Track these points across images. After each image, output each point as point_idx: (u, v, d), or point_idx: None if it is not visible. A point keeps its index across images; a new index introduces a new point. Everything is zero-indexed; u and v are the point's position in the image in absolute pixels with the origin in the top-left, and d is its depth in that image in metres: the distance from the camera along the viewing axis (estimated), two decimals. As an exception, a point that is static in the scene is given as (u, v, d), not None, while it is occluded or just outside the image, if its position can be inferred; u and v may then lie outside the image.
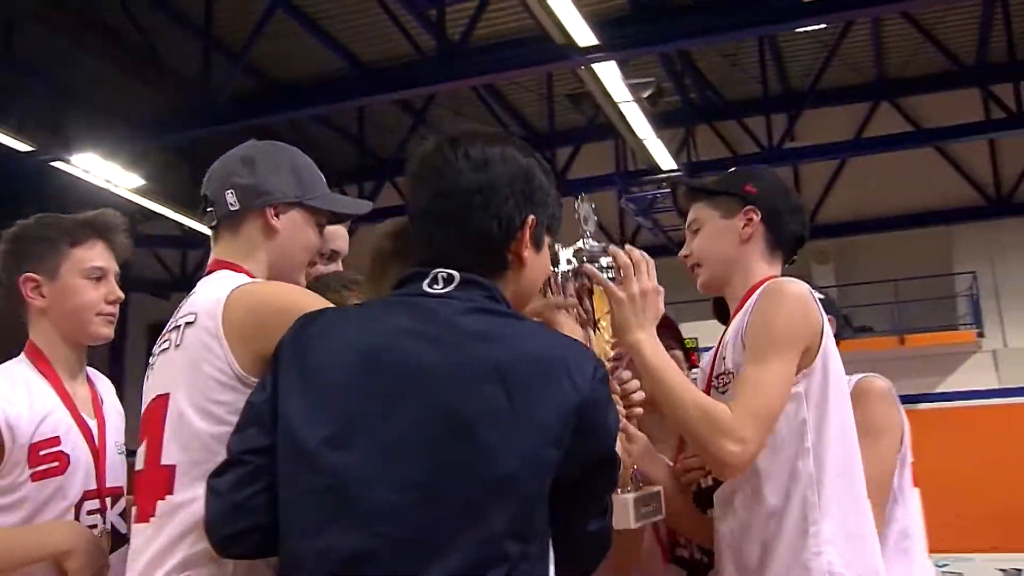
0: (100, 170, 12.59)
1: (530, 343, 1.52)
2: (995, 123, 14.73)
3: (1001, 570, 14.85)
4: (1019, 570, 14.78)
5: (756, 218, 2.21)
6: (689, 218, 2.32)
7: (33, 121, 12.48)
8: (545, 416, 1.44)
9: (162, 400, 1.69)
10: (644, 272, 1.98)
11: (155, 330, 2.10)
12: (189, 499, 1.60)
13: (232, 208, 1.85)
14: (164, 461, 1.64)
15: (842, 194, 17.58)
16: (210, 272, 1.87)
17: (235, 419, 1.59)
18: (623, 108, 10.96)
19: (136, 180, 13.34)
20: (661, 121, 12.52)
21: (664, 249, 17.25)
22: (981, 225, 17.02)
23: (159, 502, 1.62)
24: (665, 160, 13.12)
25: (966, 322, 16.95)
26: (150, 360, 1.81)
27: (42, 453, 2.02)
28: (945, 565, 14.15)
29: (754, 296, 2.13)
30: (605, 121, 13.60)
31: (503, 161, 1.60)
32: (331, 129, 16.48)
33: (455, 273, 1.57)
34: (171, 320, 1.82)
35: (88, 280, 2.19)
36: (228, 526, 1.51)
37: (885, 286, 16.47)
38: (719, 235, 2.23)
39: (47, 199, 14.77)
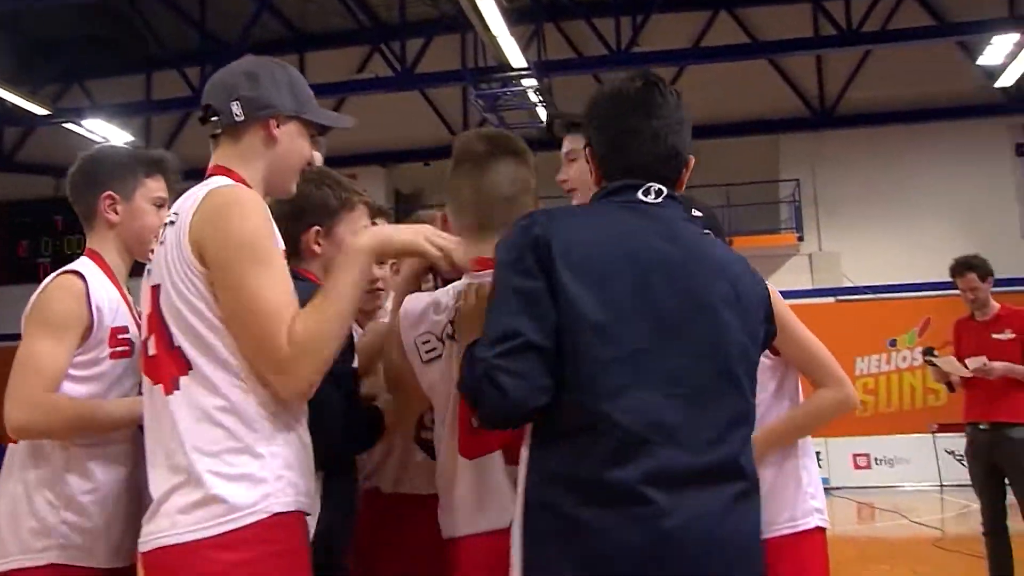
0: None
1: (725, 248, 1.99)
2: (822, 39, 15.53)
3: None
4: (818, 452, 16.25)
5: None
6: (565, 148, 2.61)
7: None
8: (755, 302, 1.90)
9: (155, 290, 1.94)
10: None
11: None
12: (205, 374, 1.87)
13: (237, 119, 2.02)
14: (175, 343, 1.89)
15: (679, 100, 18.15)
16: (208, 176, 2.03)
17: (201, 304, 1.86)
18: (479, 3, 10.96)
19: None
20: (513, 17, 12.58)
21: (509, 147, 17.48)
22: (805, 136, 18.03)
23: (182, 378, 1.87)
24: (516, 58, 13.23)
25: (788, 226, 18.06)
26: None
27: (119, 337, 2.40)
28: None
29: None
30: (454, 15, 13.55)
31: (683, 105, 2.01)
32: (173, 11, 15.74)
33: (663, 188, 1.91)
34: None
35: (153, 207, 2.57)
36: (530, 403, 1.72)
37: (717, 190, 17.31)
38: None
39: None
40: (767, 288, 1.96)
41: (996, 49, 14.18)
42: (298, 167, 2.13)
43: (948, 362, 6.01)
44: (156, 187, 2.58)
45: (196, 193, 1.95)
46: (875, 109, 17.62)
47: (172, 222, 1.95)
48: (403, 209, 14.05)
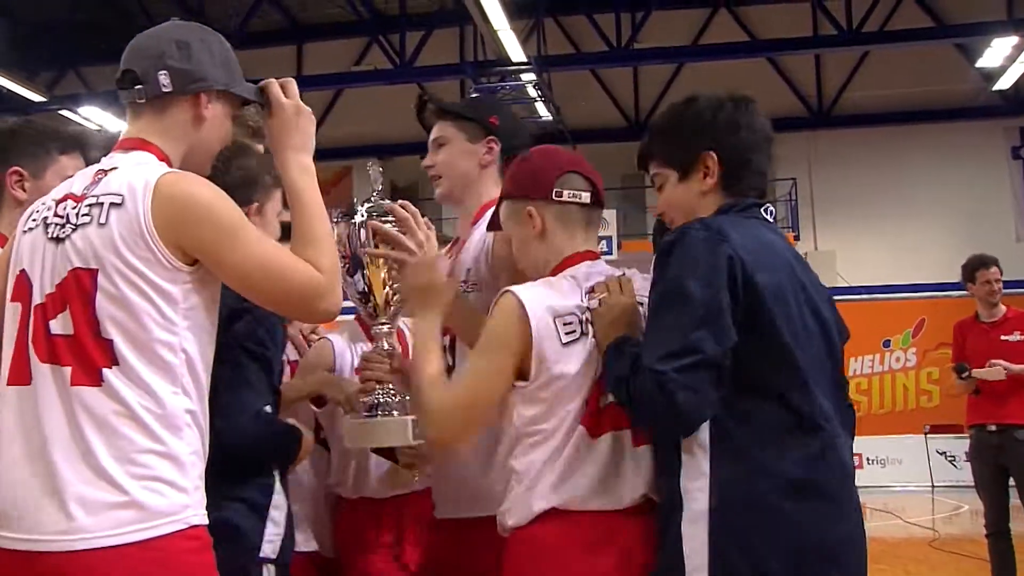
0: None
1: None
2: (822, 38, 15.52)
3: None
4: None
5: (496, 148, 2.51)
6: (435, 134, 2.59)
7: None
8: (836, 314, 2.09)
9: (89, 275, 1.77)
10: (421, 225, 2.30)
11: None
12: (136, 369, 1.74)
13: (164, 89, 1.89)
14: (103, 335, 1.75)
15: (677, 97, 17.90)
16: (126, 149, 1.92)
17: (160, 299, 1.75)
18: (481, -3, 10.97)
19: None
20: (513, 11, 12.56)
21: (506, 141, 17.47)
22: (803, 135, 18.00)
23: (105, 370, 1.74)
24: (515, 52, 13.20)
25: (785, 225, 18.04)
26: (51, 226, 1.85)
27: None
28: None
29: (489, 215, 2.43)
30: (453, 8, 13.52)
31: None
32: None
33: (773, 209, 2.00)
34: (80, 188, 1.87)
35: None
36: (701, 419, 1.84)
37: (713, 188, 17.31)
38: (462, 156, 2.51)
39: None
40: None
41: (995, 52, 14.18)
42: (218, 150, 2.02)
43: (984, 372, 5.90)
44: (72, 165, 2.38)
45: (141, 178, 1.81)
46: (873, 109, 17.63)
47: (117, 204, 1.79)
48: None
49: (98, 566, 1.67)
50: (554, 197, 2.17)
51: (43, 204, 1.91)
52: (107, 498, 1.69)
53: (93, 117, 15.11)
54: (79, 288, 1.77)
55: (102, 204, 1.80)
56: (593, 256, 2.19)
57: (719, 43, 16.36)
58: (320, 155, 2.27)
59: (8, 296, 1.88)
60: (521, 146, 2.52)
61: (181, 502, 1.73)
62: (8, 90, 14.99)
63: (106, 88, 16.73)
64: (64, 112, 15.13)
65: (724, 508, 1.82)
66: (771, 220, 2.09)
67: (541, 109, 15.81)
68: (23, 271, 1.86)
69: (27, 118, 2.54)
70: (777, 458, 1.83)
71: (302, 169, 1.96)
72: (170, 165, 1.89)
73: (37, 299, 1.81)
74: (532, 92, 14.98)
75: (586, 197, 2.19)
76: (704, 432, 1.86)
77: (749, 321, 1.84)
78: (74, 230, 1.81)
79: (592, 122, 18.13)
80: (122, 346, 1.74)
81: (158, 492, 1.71)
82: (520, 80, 14.55)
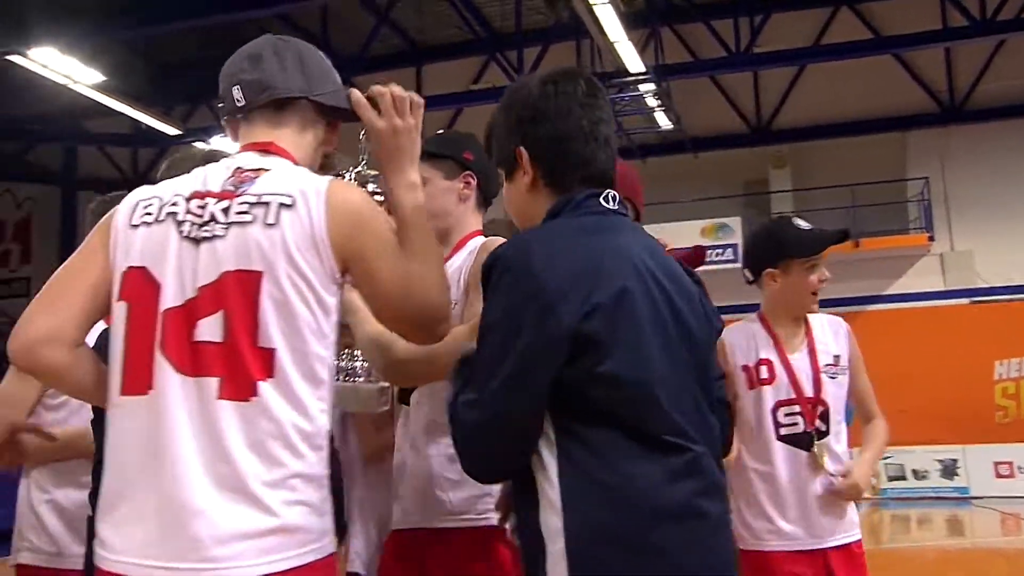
0: (58, 65, 12.37)
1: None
2: (952, 30, 14.94)
3: (938, 460, 15.68)
4: (955, 460, 15.64)
5: (474, 182, 2.52)
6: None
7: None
8: (709, 312, 1.88)
9: (252, 277, 1.65)
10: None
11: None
12: (292, 384, 1.65)
13: (239, 104, 1.87)
14: (262, 344, 1.63)
15: (800, 100, 17.77)
16: (263, 152, 1.84)
17: (319, 309, 1.67)
18: (596, 9, 10.97)
19: (95, 76, 13.12)
20: (630, 21, 12.51)
21: (626, 152, 17.43)
22: (934, 132, 17.37)
23: (260, 383, 1.62)
24: (633, 62, 13.16)
25: (917, 226, 17.42)
26: (186, 224, 1.72)
27: None
28: (889, 457, 14.91)
29: (471, 245, 2.44)
30: (569, 22, 13.54)
31: None
32: (295, 29, 16.22)
33: (616, 194, 1.84)
34: (218, 185, 1.76)
35: None
36: (506, 474, 1.78)
37: (841, 190, 16.84)
38: (442, 194, 2.50)
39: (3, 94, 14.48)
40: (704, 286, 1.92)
41: None
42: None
43: None
44: None
45: (310, 183, 1.73)
46: (1009, 101, 16.87)
47: (288, 205, 1.69)
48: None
49: None
50: None
51: (156, 198, 1.78)
52: (254, 524, 1.58)
53: (224, 147, 15.71)
54: (240, 291, 1.65)
55: (267, 204, 1.69)
56: None
57: (842, 42, 15.90)
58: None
59: (115, 295, 1.74)
60: (496, 175, 2.53)
61: (323, 528, 1.66)
62: (147, 125, 15.78)
63: (237, 118, 17.45)
64: (198, 144, 15.81)
65: (582, 546, 1.62)
66: (615, 208, 1.81)
67: (661, 118, 15.71)
68: (142, 268, 1.72)
69: (118, 194, 2.65)
70: (633, 485, 1.63)
71: (407, 186, 1.85)
72: None
73: (172, 301, 1.67)
74: (651, 102, 14.89)
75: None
76: (551, 464, 1.66)
77: (579, 352, 1.64)
78: (226, 229, 1.69)
79: (713, 129, 17.90)
80: (283, 357, 1.63)
81: (304, 517, 1.62)
82: (638, 90, 14.47)
